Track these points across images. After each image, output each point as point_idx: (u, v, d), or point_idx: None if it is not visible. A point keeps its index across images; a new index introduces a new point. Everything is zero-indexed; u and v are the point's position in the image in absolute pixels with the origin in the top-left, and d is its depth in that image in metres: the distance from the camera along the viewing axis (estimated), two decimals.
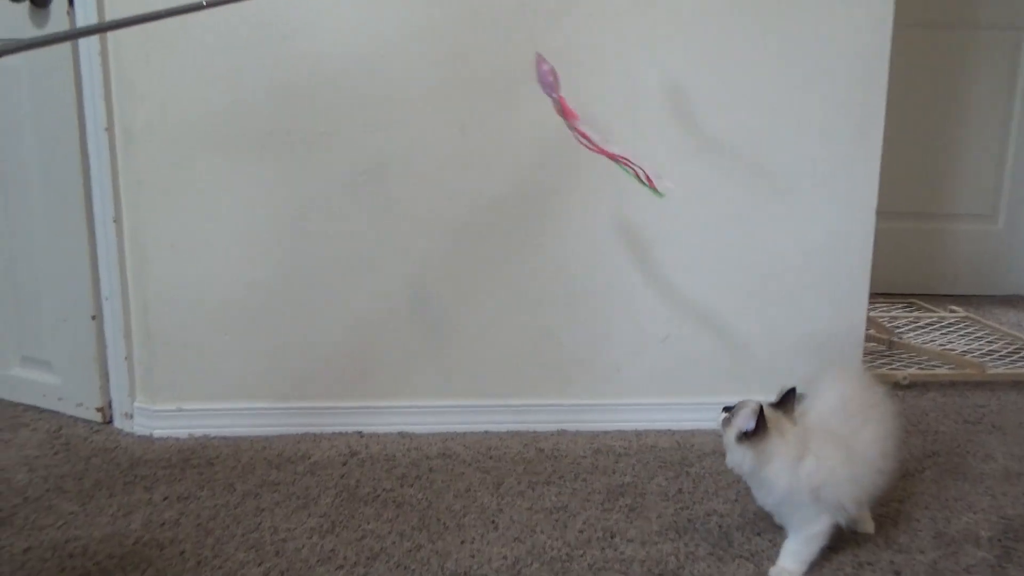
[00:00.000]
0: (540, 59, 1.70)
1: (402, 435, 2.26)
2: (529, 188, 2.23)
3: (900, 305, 3.71)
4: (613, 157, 1.70)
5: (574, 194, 2.23)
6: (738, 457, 1.59)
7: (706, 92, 2.22)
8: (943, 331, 3.31)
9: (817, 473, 1.56)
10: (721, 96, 2.22)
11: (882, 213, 2.34)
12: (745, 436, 1.56)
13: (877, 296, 2.41)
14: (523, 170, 2.21)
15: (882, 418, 1.70)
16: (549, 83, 1.69)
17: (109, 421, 2.31)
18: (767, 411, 1.58)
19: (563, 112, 1.70)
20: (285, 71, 2.12)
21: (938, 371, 2.80)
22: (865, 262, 2.35)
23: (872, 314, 2.44)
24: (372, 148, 2.16)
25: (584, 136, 1.69)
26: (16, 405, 2.40)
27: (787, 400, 1.64)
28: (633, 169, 1.70)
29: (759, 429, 1.55)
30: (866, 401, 1.72)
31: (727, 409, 1.63)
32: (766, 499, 1.64)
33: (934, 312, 3.57)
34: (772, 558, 1.68)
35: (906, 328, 3.32)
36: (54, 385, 2.35)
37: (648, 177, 1.70)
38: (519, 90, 2.16)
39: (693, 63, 2.19)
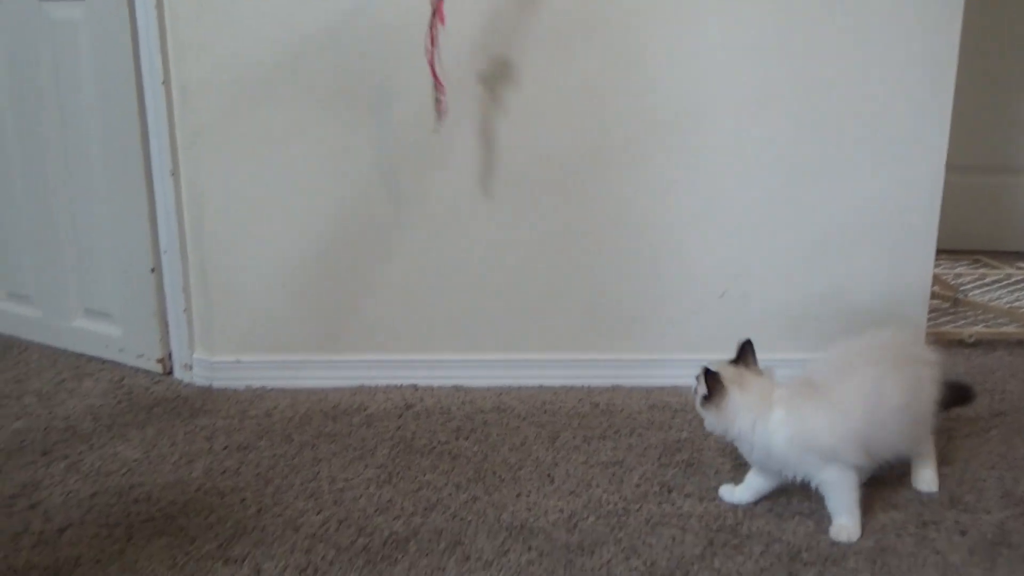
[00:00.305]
0: None
1: (457, 389, 2.26)
2: (585, 141, 2.19)
3: (965, 262, 3.60)
4: (432, 73, 1.79)
5: (630, 148, 2.19)
6: (709, 421, 1.63)
7: (769, 40, 2.15)
8: (1010, 288, 3.21)
9: (787, 423, 1.57)
10: (784, 44, 2.15)
11: (949, 166, 2.26)
12: (707, 400, 1.60)
13: (941, 252, 2.34)
14: (578, 123, 2.17)
15: (879, 368, 1.64)
16: None
17: (169, 372, 2.34)
18: (725, 369, 1.61)
19: (436, 15, 1.73)
20: (342, 23, 2.09)
21: (1005, 329, 2.72)
22: (932, 217, 2.28)
23: (936, 271, 2.37)
24: (426, 101, 2.14)
25: (432, 40, 1.75)
26: (80, 356, 2.45)
27: (745, 354, 1.65)
28: (438, 95, 1.81)
29: (714, 391, 1.58)
30: (864, 353, 1.68)
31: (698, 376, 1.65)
32: (751, 457, 1.65)
33: (1000, 269, 3.46)
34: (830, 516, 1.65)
35: (971, 285, 3.23)
36: (116, 337, 2.40)
37: (439, 108, 1.84)
38: (574, 42, 2.12)
39: (756, 11, 2.12)
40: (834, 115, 2.19)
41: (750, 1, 2.11)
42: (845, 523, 1.61)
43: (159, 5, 2.09)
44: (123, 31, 2.14)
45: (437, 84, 1.75)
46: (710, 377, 1.58)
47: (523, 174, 2.19)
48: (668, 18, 2.11)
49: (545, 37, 2.12)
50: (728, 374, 1.60)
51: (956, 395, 1.79)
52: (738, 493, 1.71)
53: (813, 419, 1.58)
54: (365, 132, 2.16)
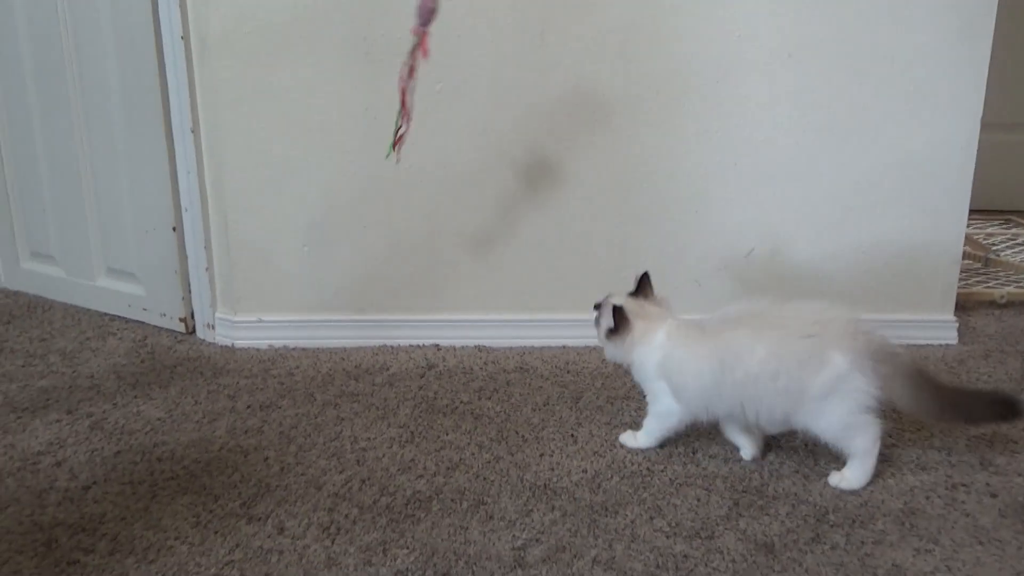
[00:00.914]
0: None
1: (479, 348, 2.25)
2: (611, 94, 2.14)
3: (997, 222, 3.53)
4: (403, 102, 1.70)
5: (656, 100, 2.14)
6: (611, 351, 1.72)
7: None
8: None
9: (661, 348, 1.67)
10: None
11: (982, 123, 2.20)
12: (612, 332, 1.68)
13: (972, 212, 2.29)
14: (605, 75, 2.12)
15: (756, 332, 1.61)
16: (429, 9, 1.61)
17: (192, 331, 2.34)
18: (628, 302, 1.70)
19: (419, 47, 1.64)
20: None
21: None
22: (966, 175, 2.23)
23: (967, 231, 2.32)
24: (452, 56, 2.10)
25: (409, 74, 1.67)
26: (103, 315, 2.46)
27: (643, 286, 1.75)
28: (402, 124, 1.72)
29: (620, 325, 1.67)
30: (765, 316, 1.65)
31: (596, 307, 1.73)
32: (638, 377, 1.74)
33: None
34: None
35: (1003, 245, 3.17)
36: (138, 296, 2.40)
37: (398, 140, 1.74)
38: None
39: None
40: (867, 70, 2.13)
41: None
42: (628, 436, 1.77)
43: None
44: None
45: (404, 114, 1.69)
46: (617, 312, 1.67)
47: (546, 129, 2.16)
48: None
49: None
50: (631, 307, 1.69)
51: (1001, 407, 1.63)
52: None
53: (678, 353, 1.66)
54: (386, 88, 2.12)
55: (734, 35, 2.11)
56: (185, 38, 2.11)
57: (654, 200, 2.21)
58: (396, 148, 1.74)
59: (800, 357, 1.57)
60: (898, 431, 1.82)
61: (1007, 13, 2.22)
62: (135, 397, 1.96)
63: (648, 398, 1.73)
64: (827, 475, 1.64)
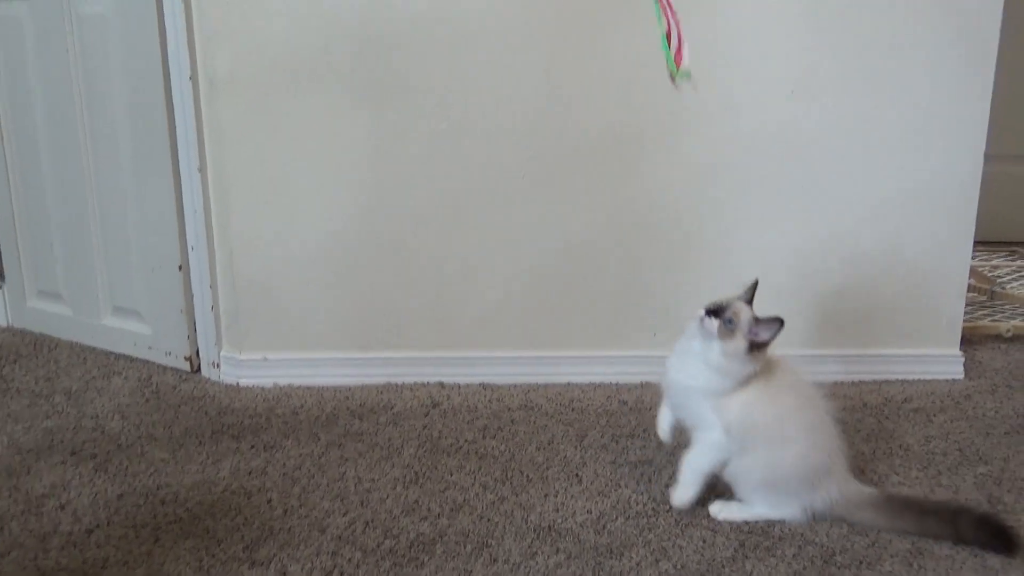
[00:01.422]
0: None
1: (484, 386, 2.24)
2: (615, 130, 2.15)
3: (1002, 253, 3.53)
4: (670, 16, 1.51)
5: (662, 137, 2.15)
6: (737, 368, 1.56)
7: (805, 27, 2.10)
8: None
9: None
10: (821, 31, 2.10)
11: (985, 155, 2.20)
12: (757, 347, 1.56)
13: (977, 244, 2.29)
14: (609, 111, 2.14)
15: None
16: None
17: (197, 370, 2.35)
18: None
19: None
20: (369, 14, 2.07)
21: None
22: (971, 207, 2.23)
23: (972, 263, 2.32)
24: (457, 93, 2.12)
25: None
26: (108, 354, 2.46)
27: (753, 294, 1.66)
28: (674, 37, 1.52)
29: (759, 343, 1.56)
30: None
31: (715, 312, 1.57)
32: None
33: None
34: None
35: (1008, 278, 3.16)
36: (144, 334, 2.40)
37: (679, 49, 1.52)
38: (606, 28, 2.08)
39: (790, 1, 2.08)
40: (871, 103, 2.15)
41: None
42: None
43: None
44: (150, 25, 2.14)
45: (673, 21, 1.47)
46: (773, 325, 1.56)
47: (551, 166, 2.17)
48: (704, 4, 2.07)
49: (576, 23, 2.09)
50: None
51: (988, 533, 1.53)
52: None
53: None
54: (392, 126, 2.14)
55: (738, 73, 2.12)
56: (193, 78, 2.13)
57: (660, 236, 2.21)
58: (678, 62, 1.52)
59: (821, 465, 1.60)
60: (904, 468, 1.81)
61: (1009, 45, 2.23)
62: (139, 438, 1.96)
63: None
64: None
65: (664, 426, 1.72)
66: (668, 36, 1.52)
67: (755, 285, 1.65)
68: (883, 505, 1.61)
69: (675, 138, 2.15)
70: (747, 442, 1.57)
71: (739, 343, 1.55)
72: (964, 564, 1.49)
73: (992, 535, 1.51)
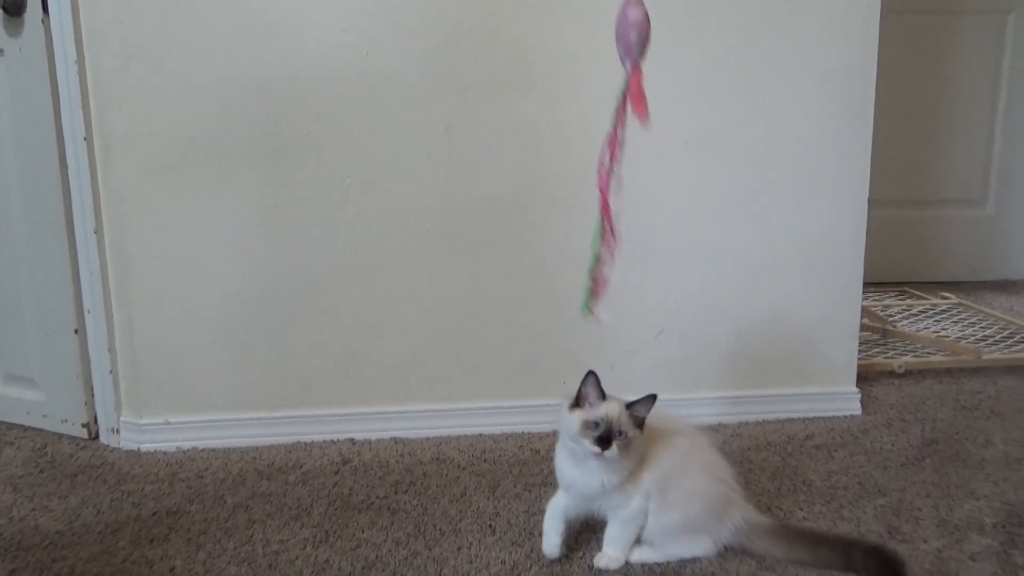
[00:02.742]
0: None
1: (395, 441, 2.22)
2: (518, 187, 2.19)
3: (892, 293, 3.69)
4: (604, 202, 1.39)
5: (562, 190, 2.20)
6: (637, 454, 1.58)
7: (696, 85, 2.19)
8: (936, 318, 3.29)
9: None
10: (711, 88, 2.20)
11: (871, 201, 2.32)
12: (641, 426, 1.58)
13: (868, 285, 2.39)
14: (510, 169, 2.18)
15: None
16: (628, 40, 1.23)
17: (95, 437, 2.26)
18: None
19: (632, 92, 1.25)
20: (267, 74, 2.08)
21: (934, 358, 2.78)
22: (858, 251, 2.34)
23: (864, 303, 2.43)
24: (358, 150, 2.13)
25: (612, 151, 1.34)
26: (0, 424, 2.35)
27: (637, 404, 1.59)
28: (607, 234, 1.39)
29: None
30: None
31: (606, 441, 1.51)
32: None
33: (926, 299, 3.56)
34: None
35: (899, 316, 3.31)
36: (38, 402, 2.31)
37: (598, 285, 1.40)
38: (508, 88, 2.13)
39: (682, 55, 2.17)
40: (759, 156, 2.24)
41: (675, 46, 2.15)
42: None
43: (80, 59, 2.05)
44: (43, 86, 2.10)
45: (607, 234, 1.33)
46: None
47: (455, 223, 2.19)
48: (600, 65, 2.14)
49: (478, 83, 2.13)
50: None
51: (877, 563, 1.57)
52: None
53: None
54: (294, 185, 2.14)
55: (634, 127, 2.18)
56: (88, 140, 2.09)
57: (566, 286, 2.24)
58: (595, 299, 1.41)
59: (724, 496, 1.66)
60: (808, 503, 1.86)
61: (885, 96, 2.37)
62: (32, 510, 1.87)
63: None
64: (742, 553, 1.65)
65: (556, 540, 1.63)
66: (597, 272, 1.42)
67: (651, 399, 1.57)
68: (780, 534, 1.66)
69: (577, 191, 2.19)
70: (664, 497, 1.60)
71: (636, 445, 1.57)
72: None
73: (881, 564, 1.56)
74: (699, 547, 1.64)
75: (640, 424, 1.57)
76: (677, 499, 1.61)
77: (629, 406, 1.56)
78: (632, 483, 1.59)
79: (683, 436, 1.68)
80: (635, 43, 1.23)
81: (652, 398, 1.56)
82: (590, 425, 1.53)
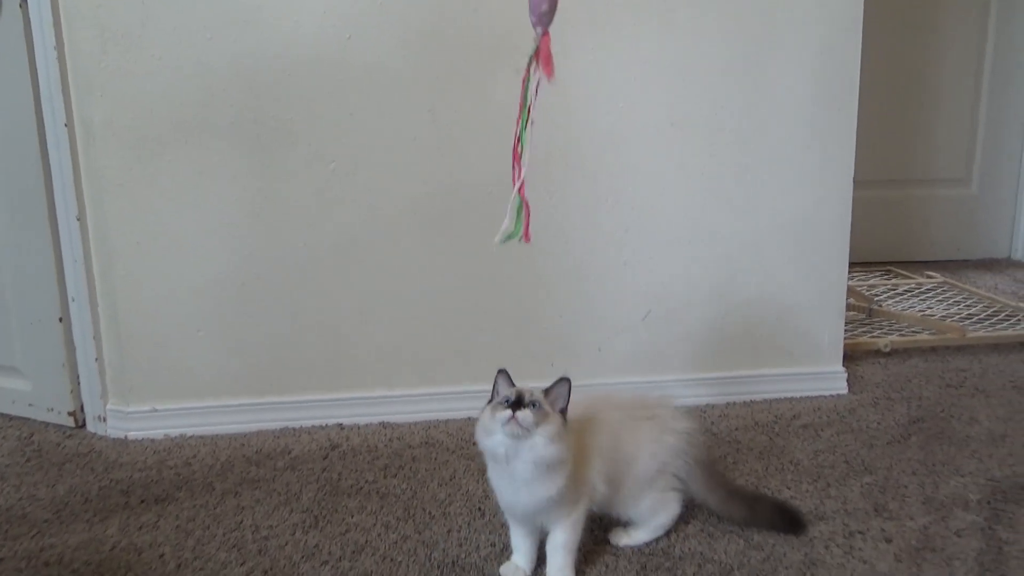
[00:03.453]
0: None
1: (384, 425, 2.22)
2: (501, 168, 2.18)
3: (877, 273, 3.71)
4: (516, 176, 1.48)
5: (549, 172, 2.20)
6: (565, 445, 1.45)
7: (680, 66, 2.19)
8: (921, 297, 3.31)
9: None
10: (696, 69, 2.19)
11: (855, 181, 2.33)
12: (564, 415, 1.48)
13: (853, 265, 2.40)
14: (495, 149, 2.17)
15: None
16: (540, 10, 1.38)
17: (82, 425, 2.25)
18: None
19: (540, 56, 1.39)
20: (248, 58, 2.06)
21: (919, 337, 2.80)
22: (844, 231, 2.34)
23: (850, 283, 2.44)
24: (341, 136, 2.12)
25: (520, 107, 1.45)
26: None
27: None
28: (519, 179, 1.48)
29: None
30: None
31: (517, 404, 1.42)
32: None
33: (911, 278, 3.58)
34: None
35: (884, 296, 3.32)
36: (23, 391, 2.29)
37: (526, 227, 1.49)
38: (489, 68, 2.12)
39: (667, 37, 2.16)
40: (744, 138, 2.24)
41: (660, 29, 2.15)
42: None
43: (59, 43, 2.03)
44: (22, 72, 2.07)
45: (517, 168, 1.43)
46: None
47: (442, 206, 2.18)
48: (585, 45, 2.13)
49: (459, 62, 2.12)
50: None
51: (782, 519, 1.68)
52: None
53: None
54: (278, 169, 2.12)
55: (619, 106, 2.18)
56: (69, 125, 2.07)
57: (551, 269, 2.25)
58: (525, 227, 1.48)
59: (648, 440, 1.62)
60: (795, 482, 1.87)
61: (870, 77, 2.37)
62: (20, 499, 1.86)
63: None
64: (731, 532, 1.67)
65: (527, 557, 1.55)
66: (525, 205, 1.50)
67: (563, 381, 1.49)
68: (708, 479, 1.68)
69: (564, 172, 2.19)
70: (614, 482, 1.56)
71: (555, 420, 1.44)
72: (855, 572, 1.54)
73: (784, 520, 1.66)
74: (673, 507, 1.65)
75: (562, 411, 1.46)
76: (632, 478, 1.59)
77: (547, 392, 1.47)
78: (575, 491, 1.48)
79: (604, 410, 1.63)
80: (546, 12, 1.40)
81: (566, 381, 1.47)
82: (500, 403, 1.43)
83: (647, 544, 1.64)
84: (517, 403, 1.41)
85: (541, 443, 1.41)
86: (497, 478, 1.49)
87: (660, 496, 1.63)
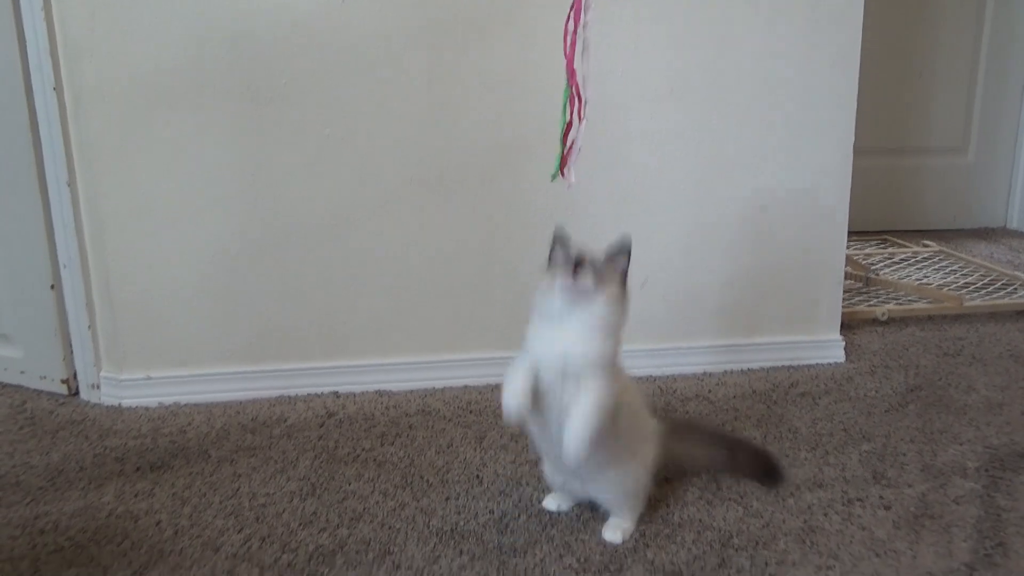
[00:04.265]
0: None
1: (380, 393, 2.21)
2: (500, 134, 2.16)
3: (874, 242, 3.70)
4: (570, 68, 1.43)
5: (546, 140, 2.17)
6: (622, 317, 1.44)
7: (678, 32, 2.16)
8: (918, 266, 3.31)
9: None
10: (695, 36, 2.16)
11: (854, 149, 2.31)
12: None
13: (851, 234, 2.39)
14: (491, 115, 2.14)
15: None
16: None
17: (75, 393, 2.23)
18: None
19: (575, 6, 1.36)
20: (242, 22, 2.02)
21: (916, 306, 2.80)
22: (843, 199, 2.33)
23: (847, 252, 2.42)
24: (336, 101, 2.08)
25: (576, 15, 1.41)
26: None
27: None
28: (573, 99, 1.44)
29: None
30: None
31: (578, 266, 1.41)
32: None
33: (908, 247, 3.57)
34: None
35: (881, 264, 3.32)
36: (15, 359, 2.27)
37: (567, 153, 1.44)
38: (486, 34, 2.09)
39: (667, 3, 2.13)
40: (743, 104, 2.22)
41: None
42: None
43: (47, 7, 1.99)
44: (9, 35, 2.03)
45: (573, 108, 1.38)
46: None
47: (438, 171, 2.16)
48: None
49: (455, 30, 2.09)
50: None
51: (762, 467, 1.74)
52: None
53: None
54: (270, 136, 2.09)
55: (617, 77, 2.15)
56: (58, 90, 2.03)
57: (550, 235, 2.22)
58: (564, 167, 1.46)
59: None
60: (794, 451, 1.87)
61: (871, 45, 2.34)
62: (13, 467, 1.85)
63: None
64: (730, 499, 1.66)
65: (518, 400, 1.46)
66: (566, 137, 1.46)
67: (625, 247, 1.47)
68: (681, 433, 1.72)
69: (552, 144, 2.16)
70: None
71: (615, 283, 1.43)
72: (854, 538, 1.54)
73: (762, 467, 1.71)
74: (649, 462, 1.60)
75: (622, 281, 1.44)
76: (625, 426, 1.53)
77: (607, 256, 1.45)
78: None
79: None
80: None
81: (627, 244, 1.45)
82: (560, 266, 1.42)
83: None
84: (577, 266, 1.41)
85: (599, 306, 1.41)
86: (540, 330, 1.47)
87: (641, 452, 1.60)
